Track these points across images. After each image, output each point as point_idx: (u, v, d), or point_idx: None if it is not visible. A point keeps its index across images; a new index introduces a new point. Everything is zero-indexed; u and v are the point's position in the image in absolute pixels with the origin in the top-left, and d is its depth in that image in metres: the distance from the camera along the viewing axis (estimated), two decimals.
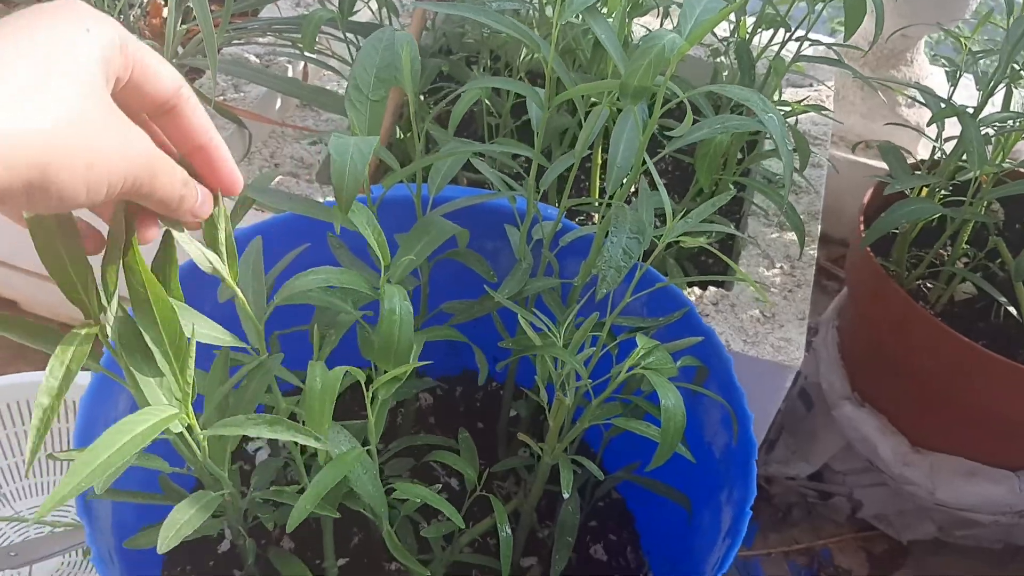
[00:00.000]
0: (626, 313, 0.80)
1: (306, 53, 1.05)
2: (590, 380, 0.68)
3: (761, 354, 0.97)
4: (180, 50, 1.13)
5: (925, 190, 1.13)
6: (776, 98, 1.09)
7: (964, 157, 1.06)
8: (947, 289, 1.17)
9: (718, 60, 1.19)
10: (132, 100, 0.45)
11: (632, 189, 0.72)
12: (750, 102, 0.65)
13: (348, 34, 1.05)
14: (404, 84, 0.68)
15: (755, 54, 1.08)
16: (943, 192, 1.12)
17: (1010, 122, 1.06)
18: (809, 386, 1.32)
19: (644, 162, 0.68)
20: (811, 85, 1.44)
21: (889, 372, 1.18)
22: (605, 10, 0.92)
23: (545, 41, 0.70)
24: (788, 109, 1.05)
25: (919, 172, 1.15)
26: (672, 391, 0.63)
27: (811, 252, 1.12)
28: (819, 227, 1.16)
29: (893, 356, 1.14)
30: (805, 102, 1.30)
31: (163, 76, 0.45)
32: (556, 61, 0.70)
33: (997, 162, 1.10)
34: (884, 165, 1.13)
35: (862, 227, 1.19)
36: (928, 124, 1.03)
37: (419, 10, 0.96)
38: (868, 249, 1.10)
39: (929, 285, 1.19)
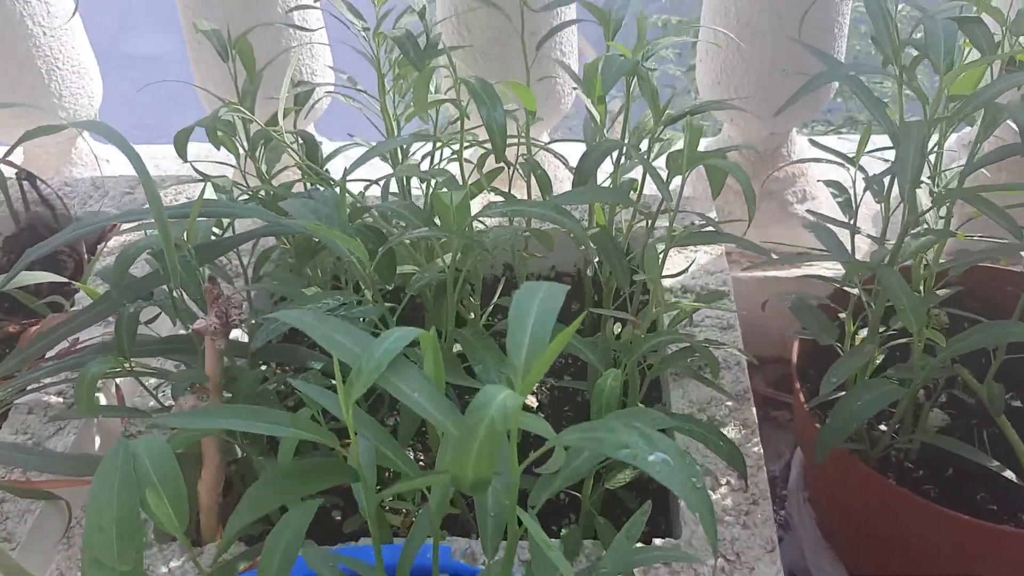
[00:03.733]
0: None
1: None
2: None
3: None
4: None
5: (860, 340, 0.97)
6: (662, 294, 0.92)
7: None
8: (916, 431, 1.00)
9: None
10: None
11: None
12: (628, 451, 0.47)
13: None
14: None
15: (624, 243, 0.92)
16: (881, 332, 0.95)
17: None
18: (800, 574, 1.13)
19: None
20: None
21: (885, 555, 1.00)
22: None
23: None
24: (681, 308, 0.88)
25: (840, 312, 0.99)
26: None
27: (756, 450, 0.94)
28: (747, 382, 0.99)
29: (885, 539, 0.96)
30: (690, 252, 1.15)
31: None
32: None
33: (931, 287, 0.95)
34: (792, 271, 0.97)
35: (799, 389, 1.02)
36: (844, 281, 0.87)
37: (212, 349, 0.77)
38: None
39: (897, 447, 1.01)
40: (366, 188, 1.08)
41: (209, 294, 0.75)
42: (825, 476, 1.02)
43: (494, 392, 0.47)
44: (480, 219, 0.80)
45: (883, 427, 1.01)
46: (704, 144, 1.60)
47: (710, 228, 0.90)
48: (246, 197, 0.99)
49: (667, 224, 0.93)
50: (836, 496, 1.02)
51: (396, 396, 0.51)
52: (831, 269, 1.51)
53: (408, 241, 0.87)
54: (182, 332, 0.88)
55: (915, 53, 0.88)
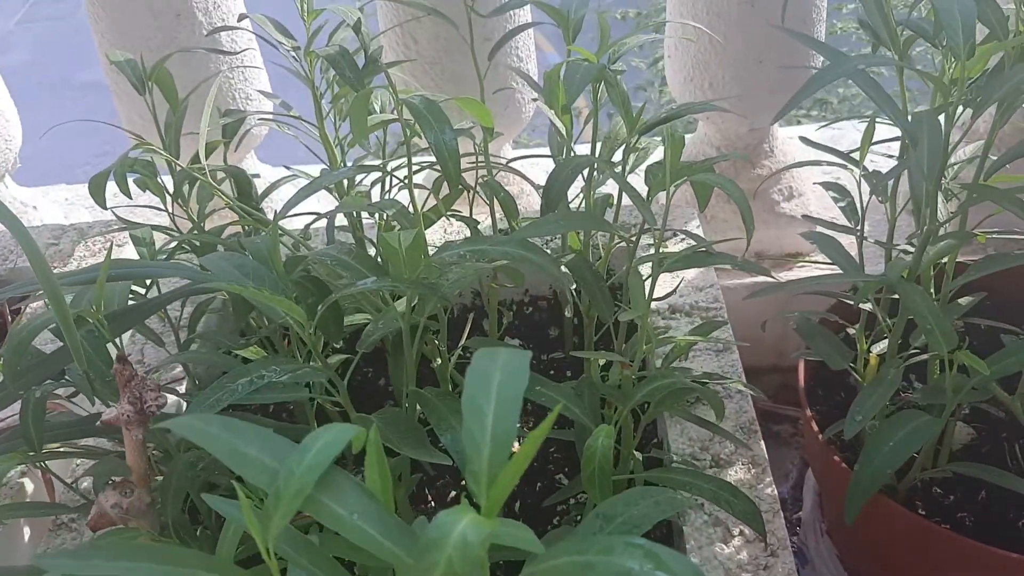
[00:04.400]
0: None
1: None
2: None
3: None
4: None
5: (872, 358, 0.86)
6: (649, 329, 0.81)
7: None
8: (940, 448, 0.90)
9: None
10: None
11: None
12: None
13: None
14: None
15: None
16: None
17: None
18: None
19: None
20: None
21: None
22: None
23: None
24: (676, 343, 0.77)
25: (853, 331, 0.88)
26: None
27: (769, 492, 0.83)
28: (751, 412, 0.88)
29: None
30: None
31: None
32: None
33: (948, 296, 0.84)
34: (776, 275, 0.86)
35: (811, 416, 0.91)
36: (858, 300, 0.76)
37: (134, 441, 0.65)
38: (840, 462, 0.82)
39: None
40: (310, 224, 0.96)
41: (120, 377, 0.63)
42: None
43: (452, 521, 0.36)
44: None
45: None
46: None
47: (702, 249, 0.79)
48: (174, 245, 0.87)
49: (652, 243, 0.82)
50: (860, 532, 0.91)
51: (328, 525, 0.40)
52: (823, 266, 1.41)
53: None
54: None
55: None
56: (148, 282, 0.83)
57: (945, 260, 0.88)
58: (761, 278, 1.33)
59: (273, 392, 0.66)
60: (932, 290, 0.89)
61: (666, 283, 1.07)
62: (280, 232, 0.93)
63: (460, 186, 0.97)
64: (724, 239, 0.90)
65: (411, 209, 0.84)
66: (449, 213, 0.99)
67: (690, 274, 1.09)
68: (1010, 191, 0.76)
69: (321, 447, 0.41)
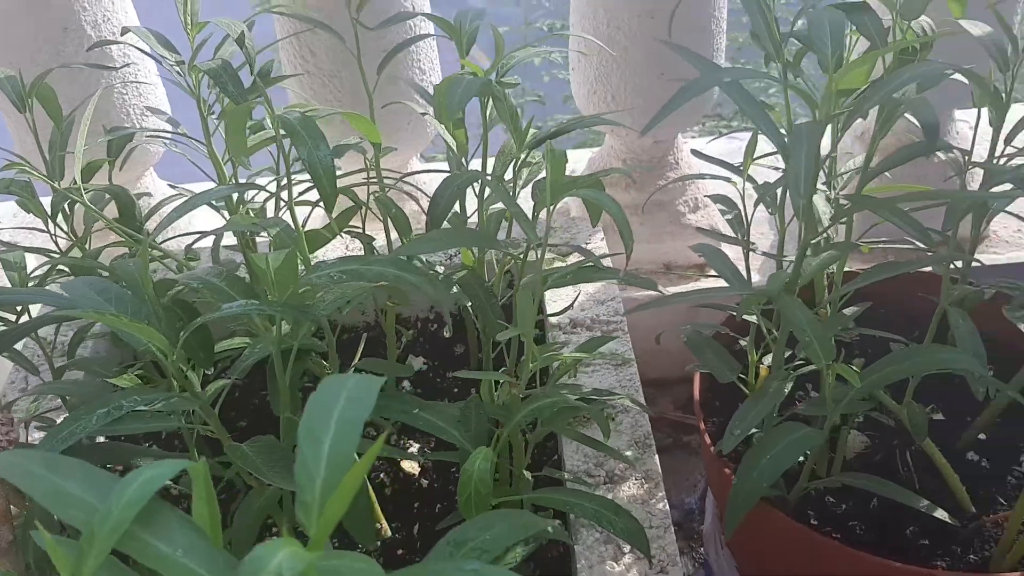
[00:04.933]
0: None
1: None
2: None
3: None
4: None
5: (764, 369, 0.87)
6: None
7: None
8: (834, 456, 0.91)
9: None
10: None
11: None
12: None
13: None
14: None
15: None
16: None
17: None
18: None
19: None
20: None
21: None
22: None
23: None
24: (562, 361, 0.76)
25: (742, 343, 0.89)
26: None
27: (660, 507, 0.83)
28: (647, 426, 0.88)
29: None
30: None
31: None
32: None
33: (837, 308, 0.85)
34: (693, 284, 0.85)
35: (704, 429, 0.91)
36: (740, 313, 0.76)
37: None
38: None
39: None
40: (193, 243, 0.94)
41: None
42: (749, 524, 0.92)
43: (267, 554, 0.34)
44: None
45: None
46: (586, 158, 1.50)
47: (590, 264, 0.79)
48: (47, 269, 0.84)
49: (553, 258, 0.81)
50: (754, 544, 0.91)
51: (148, 563, 0.38)
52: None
53: None
54: None
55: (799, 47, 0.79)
56: (19, 308, 0.80)
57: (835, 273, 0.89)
58: (672, 288, 1.35)
59: (139, 422, 0.63)
60: (825, 300, 0.90)
61: (568, 297, 1.07)
62: (162, 254, 0.91)
63: (356, 203, 0.96)
64: (613, 253, 0.90)
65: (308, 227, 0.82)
66: (347, 231, 0.98)
67: (592, 288, 1.09)
68: (889, 200, 0.77)
69: (142, 483, 0.39)
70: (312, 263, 0.71)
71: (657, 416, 1.36)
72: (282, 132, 0.73)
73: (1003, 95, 0.81)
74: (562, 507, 0.69)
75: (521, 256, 0.86)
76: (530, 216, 0.77)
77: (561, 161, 0.73)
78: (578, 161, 1.53)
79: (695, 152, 0.95)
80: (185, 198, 0.96)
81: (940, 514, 0.76)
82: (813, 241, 0.75)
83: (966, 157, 0.84)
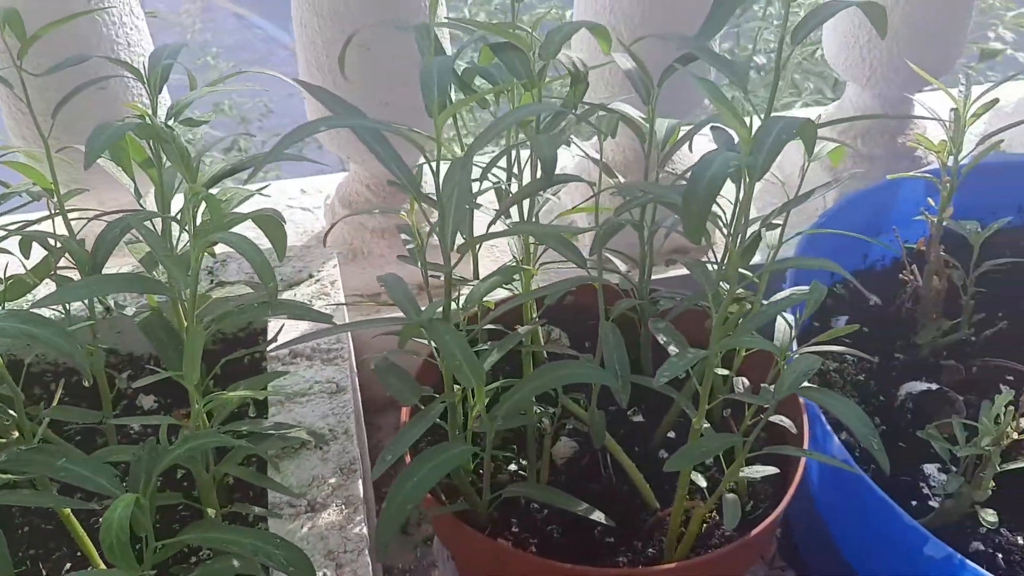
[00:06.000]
0: None
1: None
2: None
3: None
4: None
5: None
6: None
7: None
8: (543, 464, 0.96)
9: None
10: None
11: None
12: None
13: None
14: None
15: None
16: None
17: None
18: None
19: None
20: None
21: None
22: None
23: None
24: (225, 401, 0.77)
25: None
26: None
27: (357, 531, 0.85)
28: (355, 451, 0.90)
29: None
30: None
31: None
32: None
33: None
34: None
35: (408, 456, 0.95)
36: (401, 343, 0.80)
37: None
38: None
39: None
40: None
41: None
42: (450, 539, 0.96)
43: None
44: None
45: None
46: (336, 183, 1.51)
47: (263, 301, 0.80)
48: None
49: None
50: (462, 556, 0.95)
51: None
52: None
53: None
54: None
55: None
56: None
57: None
58: (396, 314, 1.38)
59: None
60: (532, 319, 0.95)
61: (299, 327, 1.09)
62: None
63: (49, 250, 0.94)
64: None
65: None
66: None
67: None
68: (550, 225, 0.83)
69: None
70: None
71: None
72: None
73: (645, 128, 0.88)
74: (219, 544, 0.70)
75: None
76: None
77: (215, 204, 0.75)
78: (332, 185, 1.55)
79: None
80: None
81: (597, 515, 0.82)
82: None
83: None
